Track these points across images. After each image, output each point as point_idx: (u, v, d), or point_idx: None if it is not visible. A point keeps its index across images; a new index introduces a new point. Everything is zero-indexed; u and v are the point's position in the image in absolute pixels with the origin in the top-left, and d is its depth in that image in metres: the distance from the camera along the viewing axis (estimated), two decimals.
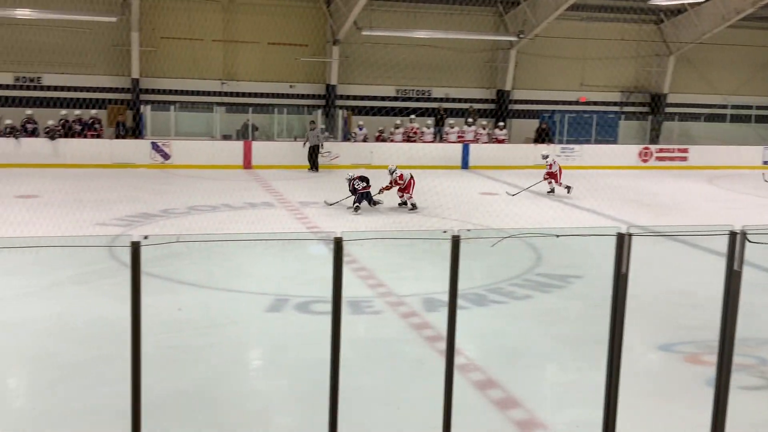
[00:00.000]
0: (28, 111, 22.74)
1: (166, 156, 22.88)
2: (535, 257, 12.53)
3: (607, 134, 28.52)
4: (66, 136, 22.40)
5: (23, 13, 22.59)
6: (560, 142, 27.40)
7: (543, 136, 27.03)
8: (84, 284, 10.37)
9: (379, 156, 24.27)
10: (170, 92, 25.39)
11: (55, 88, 24.42)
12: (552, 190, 19.98)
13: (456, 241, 4.36)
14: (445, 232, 4.34)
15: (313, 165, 23.04)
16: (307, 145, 22.98)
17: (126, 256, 9.62)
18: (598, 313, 6.24)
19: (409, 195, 16.90)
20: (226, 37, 25.80)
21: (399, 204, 16.86)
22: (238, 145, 23.78)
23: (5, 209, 14.99)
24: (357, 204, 16.45)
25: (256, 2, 25.60)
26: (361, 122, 25.42)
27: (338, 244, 4.12)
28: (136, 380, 4.23)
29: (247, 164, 23.30)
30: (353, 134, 25.63)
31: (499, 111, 28.44)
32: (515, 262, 12.07)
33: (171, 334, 8.35)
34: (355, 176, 16.68)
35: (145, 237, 3.95)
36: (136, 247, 3.88)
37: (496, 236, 5.11)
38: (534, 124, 27.78)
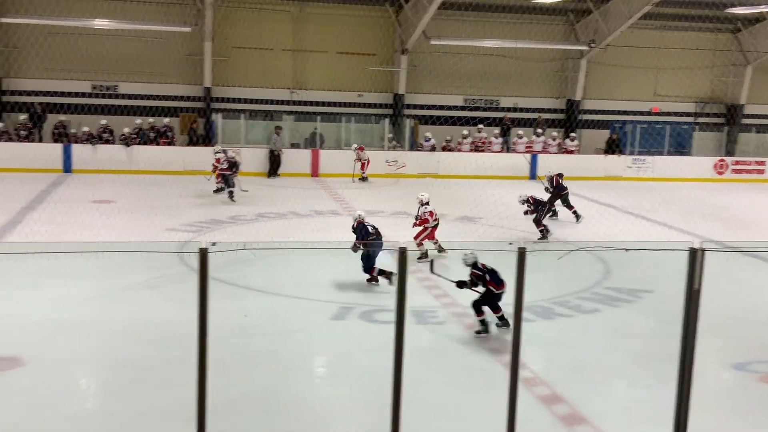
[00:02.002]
0: (104, 119, 23.47)
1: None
2: (604, 270, 12.26)
3: (681, 146, 27.80)
4: (140, 143, 23.04)
5: (101, 23, 23.38)
6: (631, 153, 26.83)
7: (614, 147, 26.52)
8: (155, 289, 10.62)
9: (445, 166, 24.23)
10: (240, 101, 25.88)
11: (131, 97, 25.17)
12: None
13: (522, 253, 4.28)
14: (511, 243, 4.27)
15: (274, 171, 23.26)
16: (273, 148, 23.38)
17: (195, 261, 9.79)
18: (668, 329, 6.06)
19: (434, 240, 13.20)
20: (296, 47, 26.16)
21: (418, 258, 12.30)
22: (305, 154, 24.05)
23: (83, 214, 15.49)
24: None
25: (326, 12, 25.90)
26: (428, 133, 25.38)
27: (403, 255, 4.10)
28: (201, 384, 4.29)
29: (315, 172, 23.53)
30: (420, 144, 25.62)
31: (569, 121, 28.04)
32: (583, 275, 11.83)
33: (237, 339, 8.47)
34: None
35: (213, 244, 4.01)
36: (204, 254, 3.94)
37: (563, 249, 5.00)
38: (604, 134, 27.28)
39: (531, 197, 15.29)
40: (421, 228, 13.06)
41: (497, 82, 27.34)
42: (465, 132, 25.61)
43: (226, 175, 18.49)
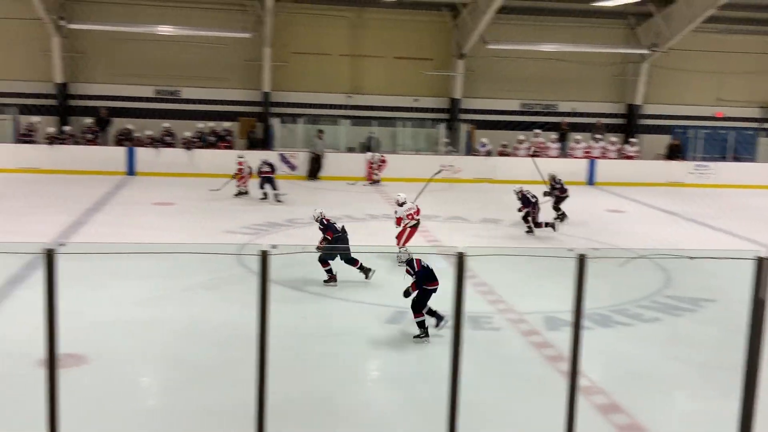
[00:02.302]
0: (166, 123, 23.99)
1: (292, 167, 23.57)
2: (664, 278, 12.02)
3: (745, 151, 27.01)
4: (201, 146, 23.48)
5: (165, 29, 23.94)
6: (693, 158, 26.21)
7: (675, 153, 25.95)
8: (214, 290, 10.81)
9: (502, 171, 24.06)
10: (298, 105, 26.15)
11: (192, 101, 25.68)
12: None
13: (582, 260, 4.23)
14: (571, 250, 4.22)
15: (314, 174, 23.49)
16: (313, 152, 23.60)
17: (253, 263, 9.93)
18: (732, 339, 5.91)
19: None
20: (353, 52, 26.32)
21: (399, 262, 12.02)
22: (360, 157, 24.17)
23: (144, 216, 15.89)
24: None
25: (384, 17, 26.00)
26: (484, 138, 25.22)
27: (461, 260, 4.09)
28: (261, 385, 4.35)
29: (370, 176, 23.61)
30: (476, 149, 25.50)
31: (629, 126, 27.56)
32: (642, 283, 11.62)
33: (293, 341, 8.56)
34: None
35: (274, 246, 4.07)
36: (265, 256, 4.00)
37: (624, 256, 4.93)
38: (665, 139, 26.71)
39: (522, 191, 15.58)
40: (401, 228, 12.74)
41: (555, 87, 27.05)
42: (521, 137, 25.39)
43: (270, 178, 18.86)
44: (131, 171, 22.61)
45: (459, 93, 26.51)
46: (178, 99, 25.70)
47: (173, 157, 23.01)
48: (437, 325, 8.99)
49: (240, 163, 19.43)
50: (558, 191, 16.99)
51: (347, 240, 11.37)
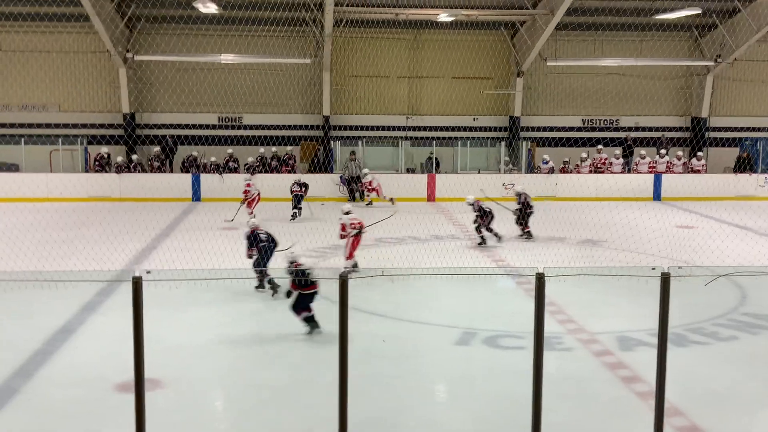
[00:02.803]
0: (230, 149, 24.47)
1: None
2: (740, 296, 11.65)
3: None
4: (263, 171, 23.84)
5: (227, 58, 24.52)
6: (764, 171, 25.45)
7: (744, 165, 25.25)
8: (280, 312, 10.90)
9: (564, 188, 23.80)
10: (358, 128, 26.39)
11: (254, 127, 26.18)
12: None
13: (666, 279, 4.13)
14: (653, 269, 4.13)
15: (353, 196, 23.40)
16: (347, 175, 23.51)
17: (320, 286, 9.91)
18: None
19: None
20: (411, 73, 26.48)
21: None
22: (422, 179, 24.19)
23: (211, 240, 16.16)
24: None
25: (441, 38, 26.11)
26: (546, 155, 24.98)
27: (540, 280, 4.04)
28: (343, 406, 4.35)
29: (431, 197, 23.61)
30: (538, 167, 25.27)
31: (695, 139, 26.95)
32: (717, 301, 11.28)
33: (362, 363, 8.56)
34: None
35: (354, 269, 4.08)
36: (344, 280, 4.02)
37: (709, 274, 4.80)
38: (733, 152, 26.00)
39: (479, 203, 16.11)
40: (346, 240, 13.25)
41: (617, 101, 26.69)
42: (584, 154, 25.05)
43: (299, 195, 19.71)
44: (197, 197, 23.09)
45: (519, 111, 26.37)
46: (241, 125, 26.23)
47: (237, 182, 23.36)
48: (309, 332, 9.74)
49: (248, 185, 19.12)
50: (522, 206, 17.08)
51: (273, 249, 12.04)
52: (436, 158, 25.42)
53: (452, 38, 26.08)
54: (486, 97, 26.52)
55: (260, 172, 23.72)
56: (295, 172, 24.28)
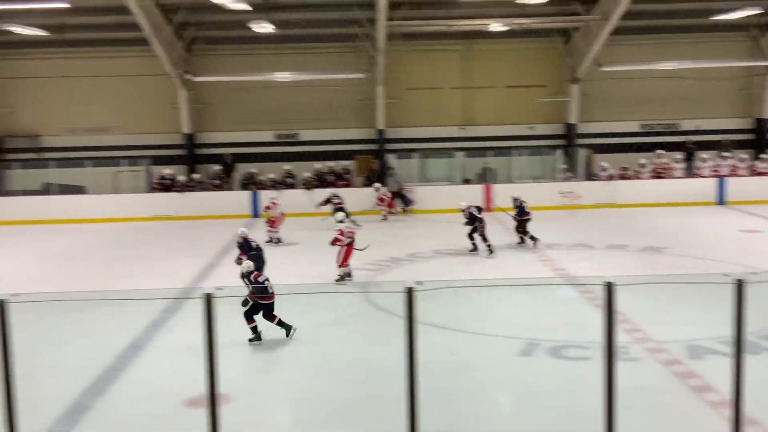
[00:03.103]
0: (287, 166, 24.77)
1: (409, 202, 23.74)
2: None
3: None
4: (320, 186, 24.05)
5: (283, 76, 24.88)
6: None
7: None
8: (344, 326, 10.98)
9: (623, 195, 23.41)
10: (412, 140, 26.43)
11: (310, 143, 26.45)
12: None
13: (740, 286, 4.04)
14: (726, 275, 4.04)
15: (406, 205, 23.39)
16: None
17: (380, 299, 10.01)
18: None
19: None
20: (465, 84, 26.43)
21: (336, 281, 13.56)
22: (478, 189, 24.07)
23: (272, 256, 16.31)
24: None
25: (494, 47, 26.02)
26: (604, 163, 24.54)
27: (610, 290, 3.99)
28: (411, 419, 4.36)
29: (488, 207, 23.47)
30: (596, 174, 24.90)
31: (758, 141, 26.22)
32: None
33: (425, 375, 8.53)
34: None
35: (419, 283, 4.10)
36: (410, 293, 4.03)
37: None
38: None
39: (469, 209, 16.34)
40: (339, 247, 13.65)
41: (676, 105, 26.16)
42: (643, 160, 24.58)
43: (342, 208, 19.77)
44: (256, 213, 23.40)
45: (575, 118, 26.07)
46: (297, 141, 26.54)
47: (295, 198, 23.65)
48: (287, 335, 10.24)
49: (273, 203, 18.97)
50: (518, 215, 17.09)
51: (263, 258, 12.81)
52: (491, 168, 25.26)
53: (505, 47, 25.96)
54: (540, 105, 26.30)
55: (317, 187, 23.93)
56: (351, 186, 24.42)
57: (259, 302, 10.13)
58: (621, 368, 8.83)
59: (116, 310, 11.51)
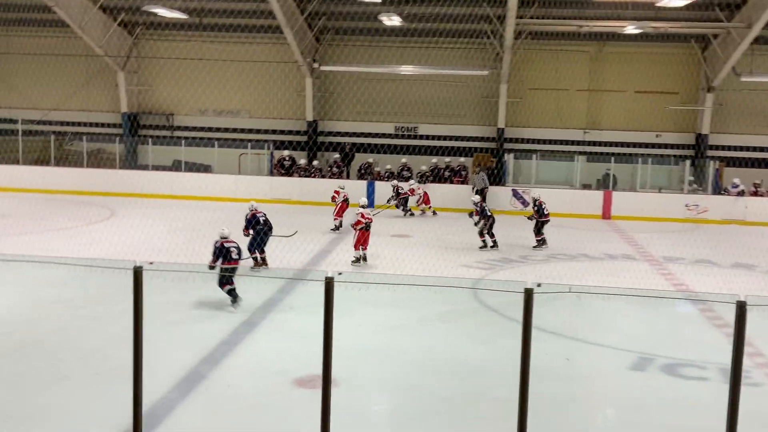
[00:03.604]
0: (404, 158, 24.94)
1: (525, 203, 23.41)
2: None
3: None
4: (434, 181, 24.09)
5: (407, 69, 25.05)
6: None
7: None
8: (449, 323, 10.97)
9: (754, 212, 22.24)
10: (532, 141, 26.06)
11: (429, 137, 26.54)
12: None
13: None
14: None
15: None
16: (475, 189, 22.64)
17: (488, 298, 9.93)
18: None
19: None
20: (591, 87, 25.80)
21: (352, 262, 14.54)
22: (597, 195, 23.46)
23: (384, 247, 16.55)
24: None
25: (626, 51, 25.24)
26: (736, 179, 23.29)
27: (741, 310, 3.81)
28: (522, 423, 4.32)
29: (606, 215, 22.85)
30: (726, 188, 23.74)
31: None
32: None
33: (534, 380, 8.42)
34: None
35: (539, 285, 4.05)
36: (529, 294, 4.00)
37: None
38: None
39: (481, 203, 16.90)
40: (356, 231, 14.50)
41: None
42: None
43: (406, 198, 21.28)
44: (371, 204, 23.70)
45: (707, 128, 24.96)
46: (416, 135, 26.68)
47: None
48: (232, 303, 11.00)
49: (336, 192, 19.07)
50: (536, 215, 17.20)
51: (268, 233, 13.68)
52: (613, 175, 24.57)
53: (637, 51, 25.14)
54: (670, 112, 25.32)
55: (432, 181, 23.97)
56: (467, 183, 24.34)
57: (223, 266, 11.02)
58: (741, 392, 8.46)
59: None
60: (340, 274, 4.71)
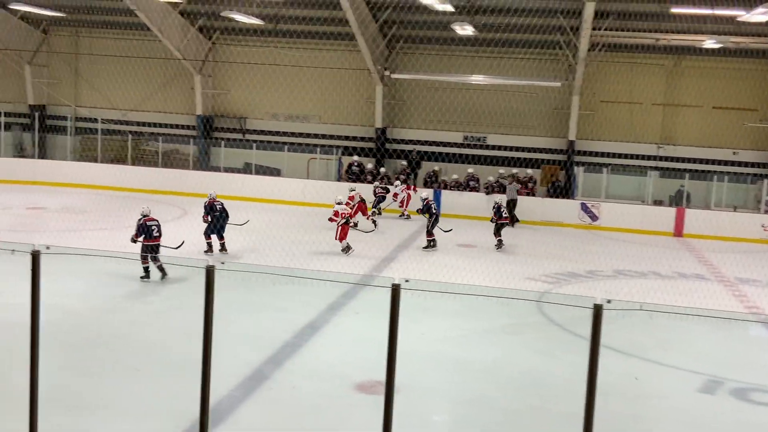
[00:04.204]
0: (471, 168, 24.82)
1: (594, 217, 23.03)
2: None
3: None
4: (500, 192, 23.86)
5: (478, 78, 24.94)
6: None
7: None
8: (515, 335, 10.88)
9: None
10: (603, 155, 25.62)
11: (497, 147, 26.36)
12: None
13: None
14: None
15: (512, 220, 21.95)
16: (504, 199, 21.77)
17: (553, 312, 9.82)
18: None
19: None
20: (667, 101, 25.22)
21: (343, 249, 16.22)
22: (669, 212, 22.90)
23: (449, 256, 16.54)
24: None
25: (704, 65, 24.60)
26: None
27: None
28: None
29: (678, 232, 22.28)
30: None
31: None
32: None
33: (599, 398, 8.29)
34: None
35: (608, 301, 4.00)
36: (598, 310, 3.95)
37: None
38: None
39: (428, 200, 18.15)
40: (337, 226, 16.22)
41: None
42: None
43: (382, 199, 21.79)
44: (439, 211, 23.70)
45: None
46: (484, 145, 26.54)
47: (475, 201, 23.68)
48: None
49: (351, 197, 19.14)
50: (496, 217, 18.26)
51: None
52: (687, 191, 23.95)
53: (716, 66, 24.46)
54: (749, 129, 24.54)
55: (497, 192, 23.77)
56: (533, 195, 24.08)
57: (144, 243, 12.52)
58: None
59: (299, 289, 12.09)
60: (407, 281, 4.72)
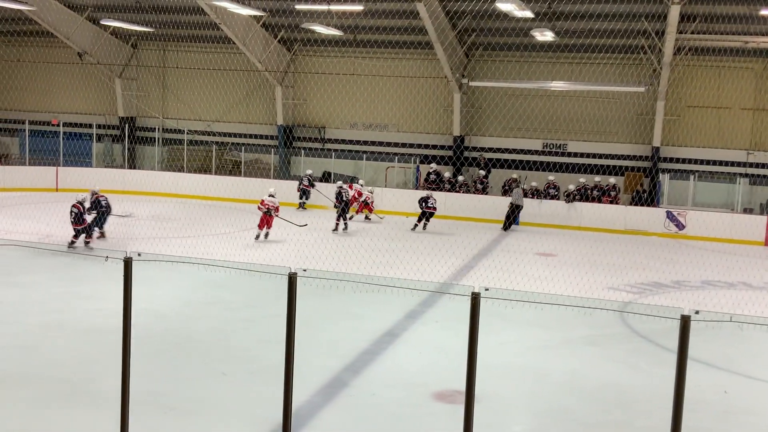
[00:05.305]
0: (551, 176, 24.48)
1: (680, 226, 22.36)
2: None
3: None
4: (582, 200, 23.46)
5: (557, 85, 24.61)
6: None
7: None
8: (596, 346, 10.67)
9: None
10: (690, 161, 24.87)
11: (578, 155, 25.91)
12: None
13: None
14: None
15: (507, 225, 22.03)
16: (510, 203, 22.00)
17: (637, 323, 9.57)
18: None
19: None
20: (757, 105, 24.30)
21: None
22: (760, 220, 22.04)
23: (527, 265, 16.34)
24: None
25: None
26: None
27: None
28: None
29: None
30: None
31: None
32: None
33: (685, 412, 8.04)
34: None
35: (696, 312, 3.90)
36: (686, 321, 3.85)
37: None
38: None
39: (341, 188, 20.17)
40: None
41: None
42: None
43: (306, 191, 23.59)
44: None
45: None
46: (564, 152, 26.14)
47: (555, 209, 23.35)
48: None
49: (359, 193, 20.87)
50: (337, 199, 20.20)
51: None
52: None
53: None
54: None
55: (580, 200, 23.38)
56: (617, 203, 23.55)
57: (75, 227, 15.62)
58: None
59: (379, 298, 12.15)
60: (486, 290, 4.70)
